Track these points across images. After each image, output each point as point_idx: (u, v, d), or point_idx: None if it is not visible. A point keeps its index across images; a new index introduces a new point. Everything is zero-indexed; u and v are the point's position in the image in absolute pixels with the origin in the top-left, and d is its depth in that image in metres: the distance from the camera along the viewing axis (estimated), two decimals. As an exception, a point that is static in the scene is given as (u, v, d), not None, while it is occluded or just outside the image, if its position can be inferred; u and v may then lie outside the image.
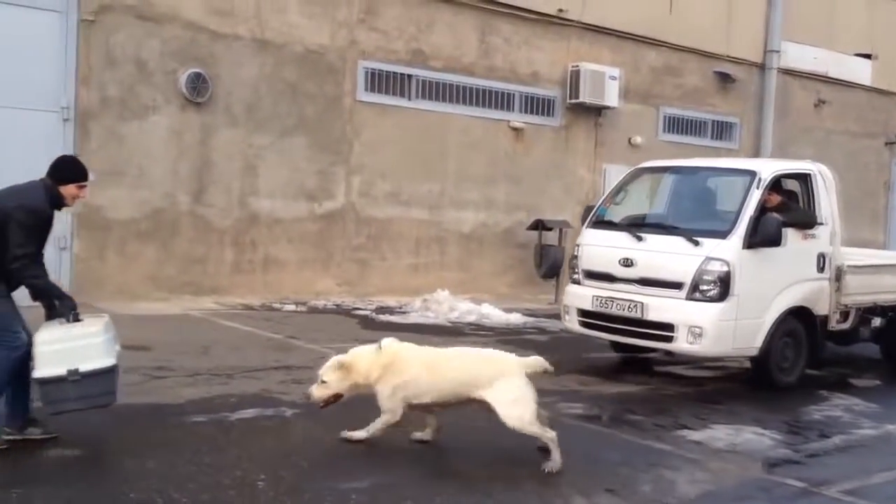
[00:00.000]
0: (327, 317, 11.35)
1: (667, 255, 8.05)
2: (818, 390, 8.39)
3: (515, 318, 11.69)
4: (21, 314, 5.42)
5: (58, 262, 10.48)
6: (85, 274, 10.67)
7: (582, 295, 8.66)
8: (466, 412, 5.81)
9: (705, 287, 7.76)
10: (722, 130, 17.20)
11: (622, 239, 8.47)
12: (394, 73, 13.06)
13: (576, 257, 8.89)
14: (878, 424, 7.24)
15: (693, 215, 8.66)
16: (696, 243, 7.90)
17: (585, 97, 14.51)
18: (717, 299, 7.72)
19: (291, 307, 11.70)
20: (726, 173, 9.12)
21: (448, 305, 11.93)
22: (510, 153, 14.39)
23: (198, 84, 11.20)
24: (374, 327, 10.63)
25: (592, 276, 8.62)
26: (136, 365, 7.62)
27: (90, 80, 10.56)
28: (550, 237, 13.96)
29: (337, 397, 5.67)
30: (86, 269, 10.70)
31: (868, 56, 19.07)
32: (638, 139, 15.67)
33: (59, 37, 10.35)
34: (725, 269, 7.74)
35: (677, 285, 7.89)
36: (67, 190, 5.48)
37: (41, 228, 5.36)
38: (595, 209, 9.17)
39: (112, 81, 10.72)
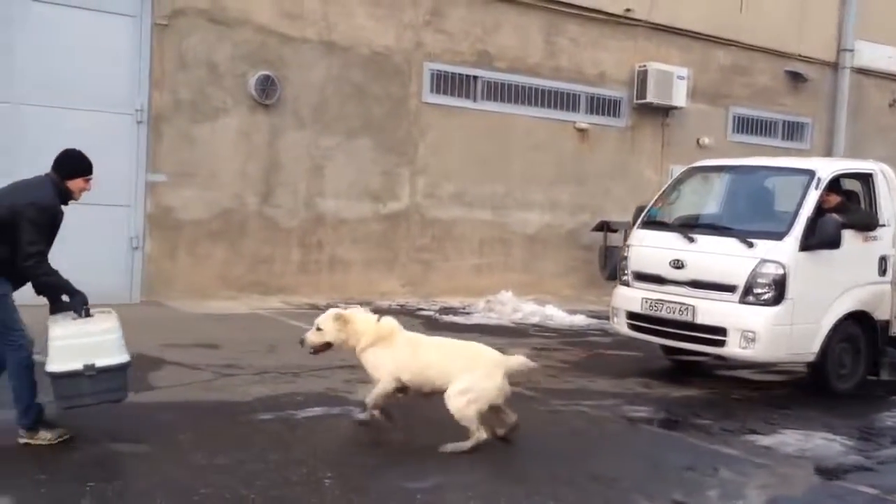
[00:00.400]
0: (395, 317, 11.41)
1: (719, 256, 7.82)
2: (890, 396, 8.19)
3: (579, 320, 11.62)
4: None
5: (130, 261, 10.82)
6: (156, 273, 10.93)
7: (631, 297, 8.46)
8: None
9: (759, 290, 7.52)
10: (793, 131, 16.87)
11: (673, 240, 8.24)
12: (459, 74, 13.11)
13: (625, 258, 8.71)
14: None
15: (747, 216, 8.40)
16: (751, 245, 7.65)
17: (652, 97, 14.36)
18: (771, 303, 7.48)
19: (356, 307, 11.78)
20: (783, 173, 8.77)
21: (511, 306, 11.92)
22: (575, 154, 14.32)
23: (267, 86, 11.39)
24: (437, 328, 10.67)
25: (642, 277, 8.42)
26: (206, 362, 7.82)
27: (163, 83, 10.81)
28: (615, 238, 13.83)
29: (327, 346, 5.86)
30: (157, 268, 10.95)
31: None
32: (706, 140, 15.46)
33: (134, 41, 10.62)
34: (781, 271, 7.48)
35: (730, 288, 7.66)
36: (75, 184, 5.46)
37: (52, 225, 5.32)
38: (646, 209, 8.92)
39: (184, 84, 10.96)
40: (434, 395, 5.75)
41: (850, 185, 8.44)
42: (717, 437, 6.42)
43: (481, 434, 5.57)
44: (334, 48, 12.01)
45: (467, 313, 11.87)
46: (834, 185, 8.10)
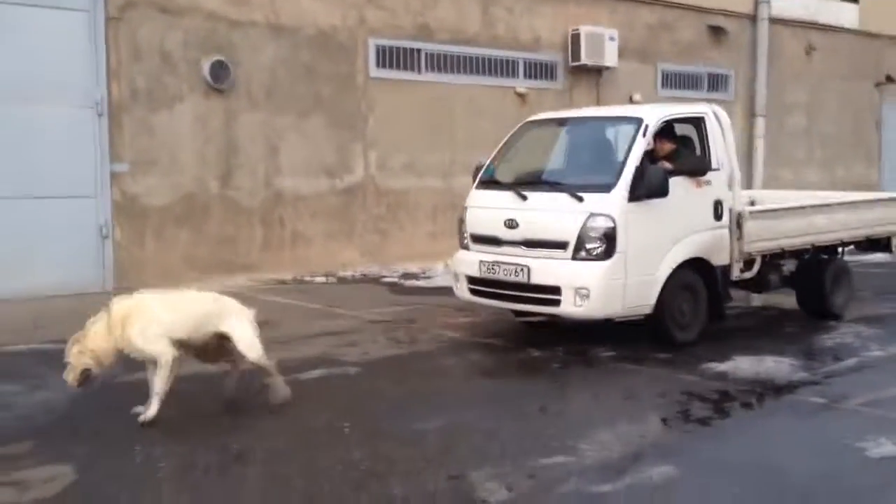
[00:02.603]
0: (357, 286, 11.97)
1: (550, 213, 7.55)
2: (828, 322, 9.02)
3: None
4: None
5: (101, 250, 11.10)
6: (126, 259, 11.23)
7: (469, 261, 8.15)
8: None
9: (590, 245, 7.27)
10: (717, 83, 17.73)
11: (507, 199, 7.91)
12: (402, 48, 13.56)
13: (463, 220, 8.39)
14: (884, 347, 7.92)
15: (578, 169, 8.12)
16: (580, 199, 7.37)
17: (586, 59, 15.01)
18: (602, 257, 7.24)
19: (321, 279, 12.31)
20: (613, 122, 8.43)
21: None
22: (516, 118, 14.66)
23: (220, 71, 11.70)
24: (404, 292, 11.29)
25: (479, 239, 8.12)
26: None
27: (119, 74, 11.05)
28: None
29: (87, 374, 5.50)
30: (127, 255, 11.26)
31: (855, 0, 19.59)
32: (637, 96, 16.17)
33: (88, 34, 10.80)
34: (610, 224, 7.23)
35: (562, 245, 7.40)
36: None
37: None
38: (483, 168, 8.58)
39: (140, 74, 11.22)
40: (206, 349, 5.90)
41: (684, 130, 8.17)
42: (680, 368, 7.15)
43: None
44: (282, 30, 12.36)
45: (428, 277, 12.44)
46: (667, 131, 7.93)
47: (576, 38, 15.05)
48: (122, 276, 11.22)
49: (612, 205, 7.29)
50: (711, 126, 8.08)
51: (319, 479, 4.70)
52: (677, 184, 7.56)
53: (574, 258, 7.34)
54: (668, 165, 7.68)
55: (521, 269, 7.57)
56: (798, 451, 5.23)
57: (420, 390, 6.60)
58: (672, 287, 7.58)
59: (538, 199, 7.73)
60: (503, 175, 8.39)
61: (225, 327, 5.80)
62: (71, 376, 5.50)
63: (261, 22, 12.18)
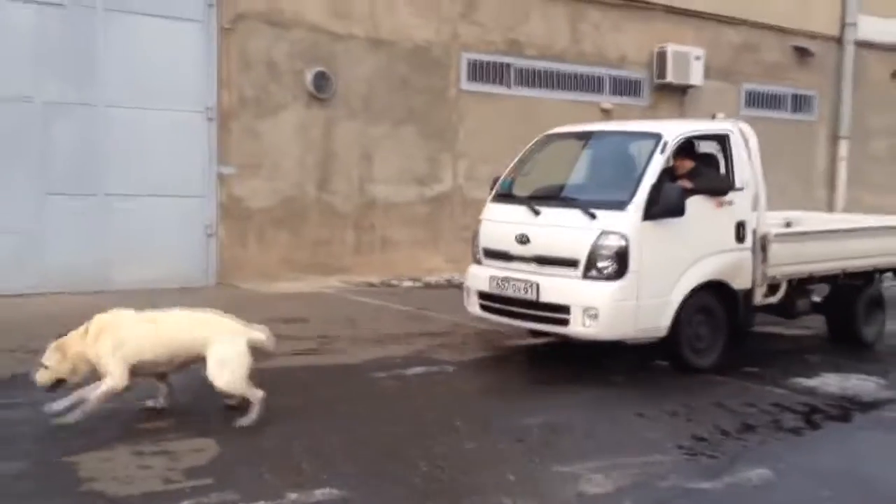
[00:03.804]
0: (443, 291, 12.40)
1: (562, 229, 7.32)
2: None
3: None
4: None
5: (205, 248, 11.75)
6: (229, 258, 11.86)
7: (480, 276, 7.97)
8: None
9: (601, 264, 7.01)
10: (801, 103, 17.81)
11: (520, 213, 7.69)
12: (493, 62, 14.00)
13: (476, 234, 8.24)
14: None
15: (594, 185, 7.90)
16: (593, 216, 7.12)
17: (671, 77, 15.27)
18: (613, 277, 6.98)
19: (408, 283, 12.79)
20: (633, 137, 8.08)
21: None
22: (601, 133, 15.21)
23: (322, 82, 12.28)
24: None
25: (491, 254, 7.95)
26: (303, 335, 8.76)
27: (229, 82, 11.70)
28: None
29: (61, 381, 5.55)
30: (230, 254, 11.89)
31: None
32: (721, 115, 16.31)
33: (202, 44, 11.48)
34: (622, 243, 6.96)
35: (572, 262, 7.15)
36: None
37: None
38: (500, 180, 8.37)
39: (247, 83, 11.86)
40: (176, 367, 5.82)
41: (707, 148, 7.93)
42: (768, 381, 7.41)
43: (257, 392, 5.68)
44: (380, 44, 12.90)
45: (512, 285, 12.81)
46: (688, 148, 7.68)
47: (661, 56, 15.33)
48: (225, 274, 11.86)
49: (625, 223, 7.03)
50: (736, 144, 7.77)
51: (439, 464, 5.13)
52: (696, 203, 7.27)
53: (584, 277, 7.09)
54: (686, 184, 7.41)
55: (531, 286, 7.35)
56: (887, 462, 5.51)
57: (516, 390, 7.00)
58: (688, 310, 7.30)
59: (551, 214, 7.50)
60: (519, 189, 8.20)
61: (204, 353, 5.63)
62: (45, 377, 5.52)
63: (361, 35, 12.74)
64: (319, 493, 4.59)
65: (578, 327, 7.08)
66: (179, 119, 11.36)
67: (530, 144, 8.66)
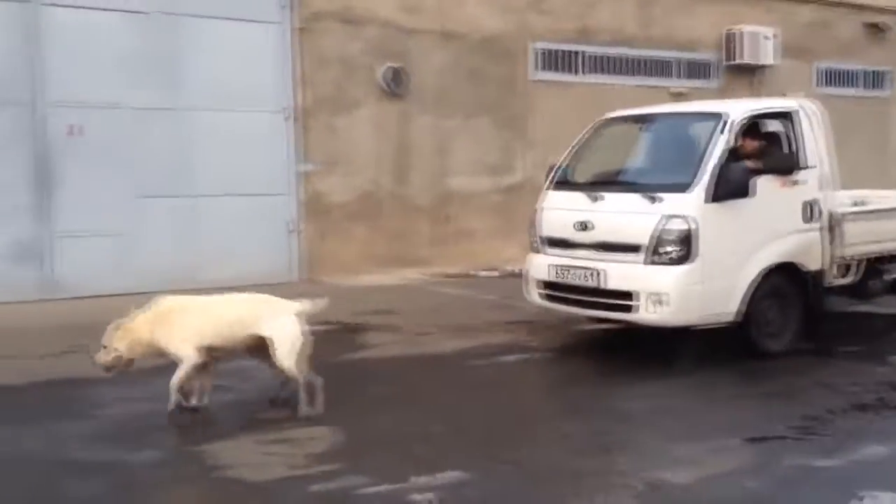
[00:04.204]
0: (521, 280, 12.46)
1: (624, 215, 7.19)
2: None
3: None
4: None
5: (288, 244, 11.99)
6: (312, 253, 12.09)
7: (541, 264, 7.85)
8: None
9: (666, 248, 6.87)
10: (875, 80, 17.47)
11: (580, 200, 7.56)
12: (562, 50, 14.01)
13: (533, 223, 8.08)
14: None
15: (655, 169, 7.76)
16: (656, 200, 7.01)
17: (744, 58, 15.10)
18: (679, 262, 6.84)
19: (486, 273, 12.88)
20: (694, 118, 7.93)
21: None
22: (672, 118, 15.11)
23: (395, 77, 12.42)
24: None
25: (551, 242, 7.79)
26: (398, 325, 8.93)
27: (306, 81, 11.91)
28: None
29: (119, 360, 5.72)
30: (312, 248, 12.11)
31: None
32: (801, 93, 16.11)
33: (278, 45, 11.71)
34: (687, 226, 6.81)
35: (635, 248, 7.02)
36: None
37: None
38: (557, 167, 8.21)
39: (323, 81, 12.05)
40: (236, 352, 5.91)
41: (772, 126, 7.67)
42: (869, 360, 7.35)
43: (318, 379, 5.76)
44: (451, 37, 13.00)
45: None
46: (753, 128, 7.46)
47: (731, 37, 15.16)
48: (308, 268, 12.09)
49: (689, 206, 6.88)
50: (802, 122, 7.56)
51: (546, 448, 5.24)
52: (762, 184, 7.11)
53: (649, 262, 6.96)
54: (751, 164, 7.22)
55: (594, 274, 7.23)
56: None
57: (607, 375, 7.03)
58: (757, 293, 7.12)
59: (612, 200, 7.37)
60: (577, 175, 8.07)
61: (266, 331, 5.68)
62: (108, 358, 5.69)
63: (431, 29, 12.85)
64: (440, 477, 4.70)
65: (645, 313, 6.98)
66: (260, 119, 11.60)
67: (586, 130, 8.44)
